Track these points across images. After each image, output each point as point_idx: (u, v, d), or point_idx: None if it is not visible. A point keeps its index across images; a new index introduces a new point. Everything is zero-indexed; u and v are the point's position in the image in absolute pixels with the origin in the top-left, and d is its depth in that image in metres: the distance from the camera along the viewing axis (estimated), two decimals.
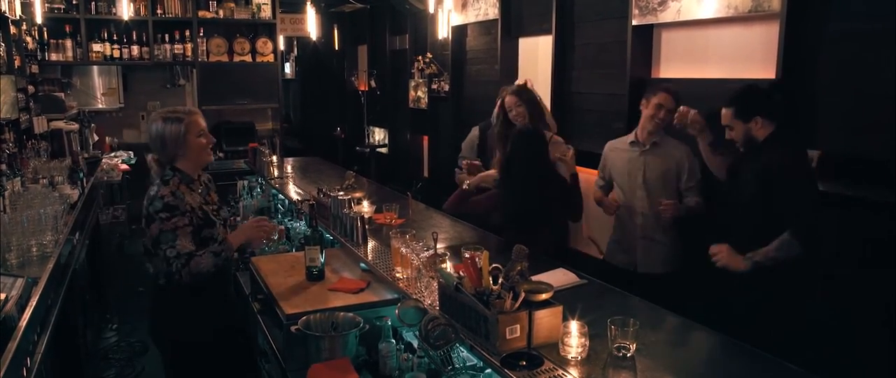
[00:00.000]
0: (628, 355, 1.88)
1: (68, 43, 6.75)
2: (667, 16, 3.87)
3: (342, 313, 2.50)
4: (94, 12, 6.84)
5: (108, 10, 6.89)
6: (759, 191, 2.67)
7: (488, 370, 2.07)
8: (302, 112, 11.51)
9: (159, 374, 2.82)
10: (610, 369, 1.86)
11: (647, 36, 4.14)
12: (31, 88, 5.38)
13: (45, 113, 5.56)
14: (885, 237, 2.76)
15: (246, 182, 5.02)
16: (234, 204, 4.59)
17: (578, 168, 3.42)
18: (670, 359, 1.98)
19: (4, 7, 4.55)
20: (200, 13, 7.23)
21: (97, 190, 5.30)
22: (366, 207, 3.65)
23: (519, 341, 1.96)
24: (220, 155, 6.94)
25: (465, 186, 3.68)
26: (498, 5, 5.67)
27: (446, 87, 6.75)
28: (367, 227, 3.18)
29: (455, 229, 3.48)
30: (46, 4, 6.44)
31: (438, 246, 2.51)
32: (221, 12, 7.33)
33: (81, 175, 4.48)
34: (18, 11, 5.18)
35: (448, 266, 2.40)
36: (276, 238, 3.60)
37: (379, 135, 8.95)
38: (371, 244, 3.13)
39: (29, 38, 5.86)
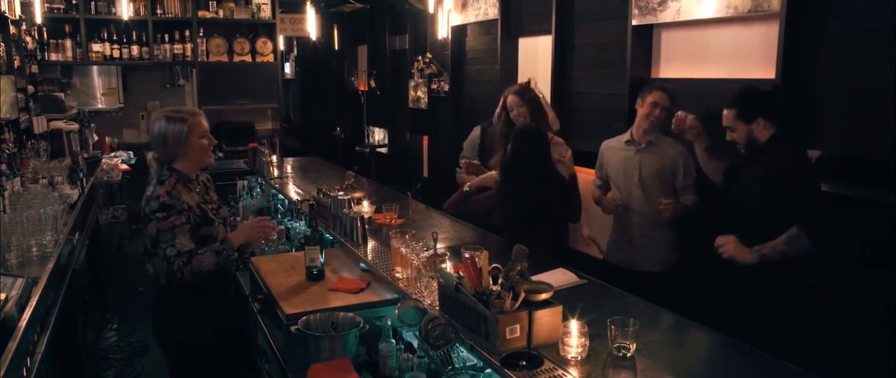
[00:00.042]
0: (628, 355, 1.88)
1: (68, 43, 6.75)
2: (667, 16, 3.88)
3: (342, 313, 2.50)
4: (93, 12, 6.83)
5: (108, 10, 6.89)
6: (763, 191, 2.67)
7: (488, 370, 2.07)
8: (302, 112, 11.51)
9: (159, 374, 2.83)
10: (610, 369, 1.86)
11: (646, 36, 4.14)
12: (30, 88, 5.38)
13: (45, 113, 5.56)
14: (885, 237, 2.76)
15: (246, 182, 5.02)
16: (234, 204, 4.59)
17: (578, 168, 3.43)
18: (670, 359, 1.97)
19: (4, 7, 4.55)
20: (200, 13, 7.23)
21: (97, 190, 5.30)
22: (366, 207, 3.65)
23: (519, 341, 1.96)
24: (220, 155, 6.94)
25: (466, 188, 3.68)
26: (498, 5, 5.67)
27: (446, 87, 6.75)
28: (366, 227, 3.18)
29: (455, 229, 3.48)
30: (46, 4, 6.44)
31: (438, 246, 2.51)
32: (221, 12, 7.33)
33: (81, 175, 4.48)
34: (18, 11, 5.18)
35: (448, 266, 2.40)
36: (275, 238, 3.60)
37: (379, 135, 8.95)
38: (371, 244, 3.13)
39: (29, 38, 5.86)
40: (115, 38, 6.96)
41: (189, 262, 2.48)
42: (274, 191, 4.77)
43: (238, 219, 4.11)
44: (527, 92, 3.83)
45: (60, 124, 5.53)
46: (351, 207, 3.31)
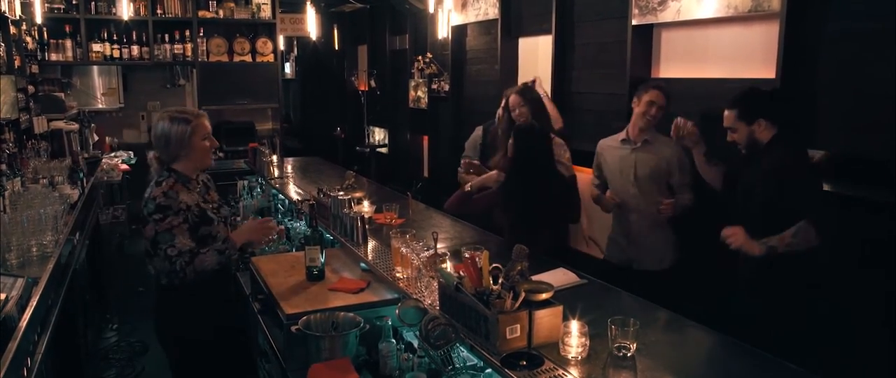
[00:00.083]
0: (628, 355, 1.88)
1: (68, 43, 6.75)
2: (667, 15, 3.88)
3: (342, 313, 2.50)
4: (94, 12, 6.84)
5: (108, 10, 6.89)
6: (766, 192, 2.67)
7: (488, 370, 2.07)
8: (302, 112, 11.51)
9: (159, 374, 2.83)
10: (610, 369, 1.86)
11: (646, 36, 4.14)
12: (31, 88, 5.38)
13: (45, 113, 5.56)
14: (885, 237, 2.76)
15: (246, 182, 5.02)
16: (235, 204, 4.60)
17: (578, 168, 3.43)
18: (670, 359, 1.97)
19: (4, 7, 4.55)
20: (200, 13, 7.23)
21: (97, 190, 5.30)
22: (366, 207, 3.65)
23: (519, 341, 1.96)
24: (220, 155, 6.94)
25: (467, 188, 3.68)
26: (498, 5, 5.66)
27: (446, 87, 6.75)
28: (367, 227, 3.18)
29: (455, 229, 3.48)
30: (46, 4, 6.44)
31: (438, 246, 2.51)
32: (221, 12, 7.33)
33: (81, 175, 4.48)
34: (18, 11, 5.18)
35: (448, 266, 2.40)
36: (275, 238, 3.60)
37: (379, 135, 8.95)
38: (371, 244, 3.13)
39: (29, 38, 5.86)
40: (116, 38, 6.96)
41: (191, 262, 2.49)
42: (274, 191, 4.77)
43: (238, 219, 4.11)
44: (529, 92, 3.86)
45: (60, 124, 5.53)
46: (351, 207, 3.31)
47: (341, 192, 3.54)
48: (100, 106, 7.37)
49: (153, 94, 7.84)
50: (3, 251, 2.79)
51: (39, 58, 6.47)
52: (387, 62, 8.46)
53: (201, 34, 7.25)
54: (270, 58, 7.56)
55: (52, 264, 2.86)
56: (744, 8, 3.40)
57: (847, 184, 2.92)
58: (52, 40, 6.70)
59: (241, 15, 7.43)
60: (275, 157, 5.18)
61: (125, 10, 6.73)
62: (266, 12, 7.49)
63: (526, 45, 5.64)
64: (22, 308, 2.30)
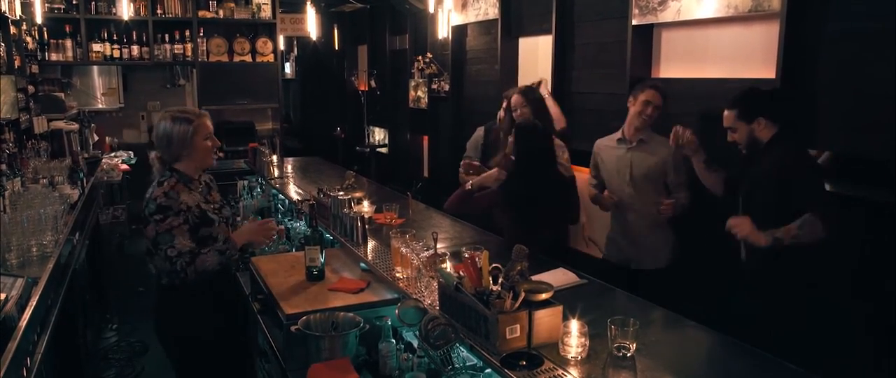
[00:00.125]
0: (628, 355, 1.88)
1: (68, 43, 6.75)
2: (667, 15, 3.87)
3: (342, 313, 2.50)
4: (94, 12, 6.84)
5: (108, 10, 6.89)
6: (768, 190, 2.67)
7: (488, 370, 2.07)
8: (302, 112, 11.51)
9: (159, 374, 2.83)
10: (610, 369, 1.86)
11: (647, 36, 4.14)
12: (31, 88, 5.38)
13: (45, 113, 5.57)
14: (885, 237, 2.76)
15: (246, 182, 5.02)
16: (234, 204, 4.60)
17: (578, 168, 3.42)
18: (670, 359, 1.97)
19: (4, 7, 4.55)
20: (200, 13, 7.23)
21: (97, 190, 5.30)
22: (366, 207, 3.65)
23: (519, 341, 1.96)
24: (220, 155, 6.93)
25: (468, 186, 3.68)
26: (498, 5, 5.66)
27: (446, 87, 6.75)
28: (367, 227, 3.18)
29: (455, 229, 3.48)
30: (46, 4, 6.44)
31: (438, 246, 2.50)
32: (221, 12, 7.33)
33: (81, 175, 4.48)
34: (18, 11, 5.18)
35: (448, 266, 2.40)
36: (275, 238, 3.60)
37: (379, 135, 8.95)
38: (371, 244, 3.13)
39: (29, 38, 5.86)
40: (116, 38, 6.96)
41: (192, 262, 2.49)
42: (274, 191, 4.77)
43: (238, 219, 4.11)
44: (531, 92, 3.88)
45: (60, 124, 5.54)
46: (351, 207, 3.31)
47: (341, 192, 3.54)
48: (100, 106, 7.37)
49: (153, 94, 7.84)
50: (3, 251, 2.79)
51: (39, 58, 6.47)
52: (387, 62, 8.46)
53: (201, 34, 7.25)
54: (270, 58, 7.56)
55: (52, 264, 2.86)
56: (744, 8, 3.40)
57: (847, 184, 2.92)
58: (52, 40, 6.70)
59: (241, 15, 7.43)
60: (275, 157, 5.18)
61: (125, 10, 6.73)
62: (266, 12, 7.49)
63: (526, 45, 5.64)
64: (22, 308, 2.30)
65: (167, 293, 2.62)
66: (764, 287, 2.72)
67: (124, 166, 6.20)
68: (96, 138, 6.53)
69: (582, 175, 3.82)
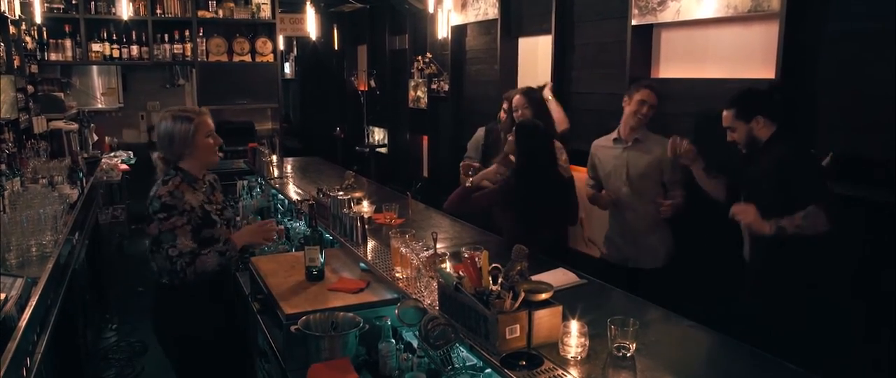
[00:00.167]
0: (628, 355, 1.88)
1: (68, 43, 6.74)
2: (666, 16, 3.87)
3: (342, 313, 2.50)
4: (93, 12, 6.83)
5: (108, 10, 6.89)
6: (769, 188, 2.66)
7: (488, 370, 2.07)
8: (302, 112, 11.51)
9: (159, 374, 2.83)
10: (610, 369, 1.86)
11: (646, 36, 4.14)
12: (30, 88, 5.38)
13: (45, 113, 5.57)
14: (885, 237, 2.76)
15: (246, 182, 5.02)
16: (234, 204, 4.59)
17: (578, 168, 3.42)
18: (670, 359, 1.97)
19: (4, 7, 4.55)
20: (200, 13, 7.23)
21: (97, 190, 5.30)
22: (365, 207, 3.65)
23: (519, 341, 1.96)
24: (220, 155, 6.92)
25: (467, 184, 3.68)
26: (497, 5, 5.66)
27: (446, 87, 6.75)
28: (366, 227, 3.18)
29: (455, 229, 3.48)
30: (46, 4, 6.44)
31: (438, 246, 2.51)
32: (221, 12, 7.33)
33: (81, 175, 4.48)
34: (18, 11, 5.18)
35: (448, 266, 2.40)
36: (275, 238, 3.60)
37: (379, 135, 8.95)
38: (371, 244, 3.13)
39: (28, 38, 5.86)
40: (115, 37, 6.96)
41: (192, 263, 2.49)
42: (274, 191, 4.77)
43: (238, 219, 4.11)
44: (533, 92, 3.90)
45: (60, 124, 5.54)
46: (351, 207, 3.31)
47: (341, 192, 3.54)
48: (99, 106, 7.37)
49: (153, 94, 7.84)
50: (2, 251, 2.79)
51: (39, 58, 6.47)
52: (386, 62, 8.46)
53: (201, 34, 7.25)
54: (270, 58, 7.56)
55: (52, 264, 2.85)
56: (744, 8, 3.40)
57: (847, 184, 2.91)
58: (51, 40, 6.69)
59: (241, 15, 7.42)
60: (274, 157, 5.18)
61: (125, 10, 6.72)
62: (266, 12, 7.48)
63: (526, 45, 5.64)
64: (21, 308, 2.30)
65: (166, 292, 2.62)
66: (766, 287, 2.72)
67: (124, 166, 6.20)
68: (96, 138, 6.53)
69: (581, 175, 3.82)
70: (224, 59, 7.38)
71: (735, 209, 2.71)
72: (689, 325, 2.22)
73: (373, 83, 8.57)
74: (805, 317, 2.61)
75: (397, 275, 2.65)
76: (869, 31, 2.92)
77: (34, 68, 5.95)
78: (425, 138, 7.52)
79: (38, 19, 6.07)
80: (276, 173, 5.04)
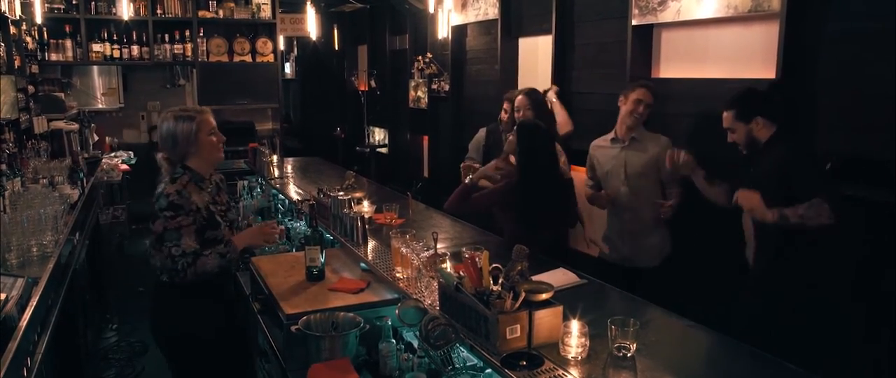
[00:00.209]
0: (628, 355, 1.88)
1: (68, 43, 6.75)
2: (667, 16, 3.88)
3: (342, 313, 2.50)
4: (94, 12, 6.84)
5: (108, 10, 6.89)
6: (770, 188, 2.66)
7: (488, 370, 2.07)
8: (302, 112, 11.51)
9: (159, 374, 2.83)
10: (610, 369, 1.86)
11: (646, 36, 4.14)
12: (31, 88, 5.38)
13: (45, 113, 5.56)
14: (885, 237, 2.76)
15: (246, 182, 5.02)
16: (235, 204, 4.59)
17: (579, 168, 3.42)
18: (670, 359, 1.97)
19: (4, 7, 4.55)
20: (200, 13, 7.23)
21: (97, 190, 5.30)
22: (366, 207, 3.65)
23: (519, 341, 1.96)
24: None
25: (467, 181, 3.68)
26: (498, 5, 5.66)
27: (446, 87, 6.75)
28: (367, 227, 3.18)
29: (455, 229, 3.48)
30: (46, 4, 6.44)
31: (438, 246, 2.51)
32: (221, 12, 7.33)
33: (81, 175, 4.48)
34: (18, 11, 5.18)
35: (448, 266, 2.40)
36: (277, 239, 3.60)
37: (379, 135, 8.95)
38: (371, 244, 3.13)
39: (29, 38, 5.86)
40: (116, 38, 6.96)
41: (193, 264, 2.50)
42: (274, 191, 4.77)
43: (239, 219, 4.11)
44: (535, 93, 3.91)
45: (60, 124, 5.53)
46: (351, 207, 3.31)
47: (341, 192, 3.54)
48: (100, 106, 7.37)
49: (153, 94, 7.85)
50: (3, 251, 2.79)
51: (39, 58, 6.47)
52: (387, 62, 8.46)
53: (201, 34, 7.25)
54: (270, 58, 7.56)
55: (52, 264, 2.85)
56: (744, 8, 3.40)
57: (847, 184, 2.92)
58: (52, 40, 6.70)
59: (241, 15, 7.43)
60: (275, 157, 5.18)
61: (125, 10, 6.72)
62: (266, 12, 7.49)
63: (526, 45, 5.64)
64: (22, 308, 2.30)
65: (166, 291, 2.62)
66: (767, 288, 2.72)
67: (124, 166, 6.20)
68: (96, 138, 6.53)
69: (582, 175, 3.83)
70: (224, 59, 7.38)
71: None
72: (689, 324, 2.22)
73: (373, 83, 8.57)
74: (805, 317, 2.62)
75: (398, 275, 2.65)
76: (869, 31, 2.92)
77: (35, 68, 5.95)
78: (425, 138, 7.52)
79: (38, 19, 6.07)
80: (276, 173, 5.04)
